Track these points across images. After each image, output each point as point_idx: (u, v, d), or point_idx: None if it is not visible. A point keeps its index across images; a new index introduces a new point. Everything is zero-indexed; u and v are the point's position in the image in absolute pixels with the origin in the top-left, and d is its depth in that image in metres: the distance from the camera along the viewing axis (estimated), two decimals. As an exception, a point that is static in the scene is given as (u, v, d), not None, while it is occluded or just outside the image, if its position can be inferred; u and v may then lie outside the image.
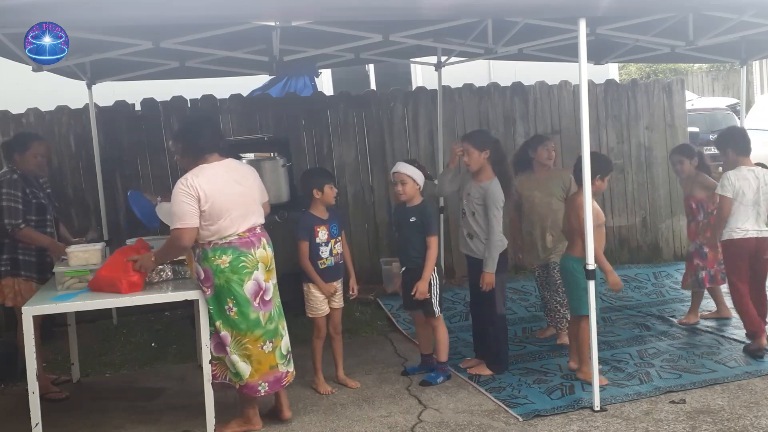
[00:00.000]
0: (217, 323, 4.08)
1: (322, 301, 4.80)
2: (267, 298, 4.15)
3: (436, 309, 4.83)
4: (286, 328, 4.32)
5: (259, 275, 4.12)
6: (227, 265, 4.03)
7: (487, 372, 4.91)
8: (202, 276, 4.07)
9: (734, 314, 6.07)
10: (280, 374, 4.21)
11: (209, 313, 4.08)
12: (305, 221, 4.76)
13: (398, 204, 5.03)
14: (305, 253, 4.72)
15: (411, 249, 4.83)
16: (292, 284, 5.00)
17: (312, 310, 4.81)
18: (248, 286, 4.07)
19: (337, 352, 4.98)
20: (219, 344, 4.10)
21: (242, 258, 4.06)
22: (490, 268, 4.77)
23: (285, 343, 4.27)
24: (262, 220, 4.28)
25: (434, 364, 4.95)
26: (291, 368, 4.31)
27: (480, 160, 4.84)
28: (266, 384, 4.15)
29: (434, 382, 4.84)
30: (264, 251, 4.17)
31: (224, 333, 4.08)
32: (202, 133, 4.17)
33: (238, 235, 4.07)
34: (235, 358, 4.09)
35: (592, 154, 4.26)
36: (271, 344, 4.16)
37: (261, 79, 8.00)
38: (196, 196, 3.93)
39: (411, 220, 4.82)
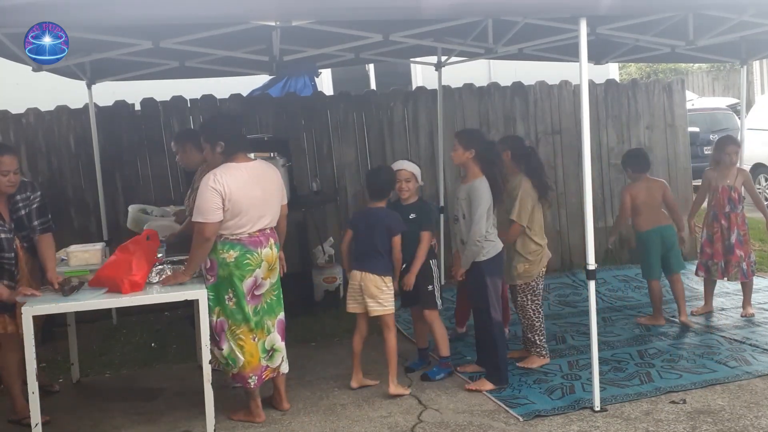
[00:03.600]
0: (216, 309, 4.21)
1: None
2: (257, 293, 4.26)
3: (439, 301, 4.87)
4: (275, 326, 4.36)
5: (260, 273, 4.23)
6: (233, 260, 4.15)
7: (488, 386, 4.72)
8: (208, 265, 4.21)
9: (734, 313, 6.10)
10: (262, 367, 4.31)
11: (207, 299, 4.16)
12: (396, 215, 4.76)
13: (393, 203, 4.97)
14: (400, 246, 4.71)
15: (411, 246, 4.80)
16: (291, 285, 4.99)
17: (390, 304, 4.72)
18: (247, 282, 4.19)
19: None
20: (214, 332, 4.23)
21: (248, 255, 4.17)
22: (464, 266, 4.78)
23: (270, 339, 4.33)
24: (275, 223, 4.38)
25: (435, 359, 4.94)
26: (273, 365, 4.37)
27: (463, 157, 4.78)
28: (255, 377, 4.27)
29: (433, 377, 4.84)
30: (270, 251, 4.27)
31: (221, 320, 4.21)
32: (234, 134, 4.32)
33: (248, 233, 4.18)
34: (231, 345, 4.22)
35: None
36: (256, 337, 4.27)
37: (261, 79, 8.00)
38: (221, 194, 4.05)
39: (411, 217, 4.82)
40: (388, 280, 4.70)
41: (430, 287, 4.87)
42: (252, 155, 4.62)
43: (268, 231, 4.30)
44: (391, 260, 4.71)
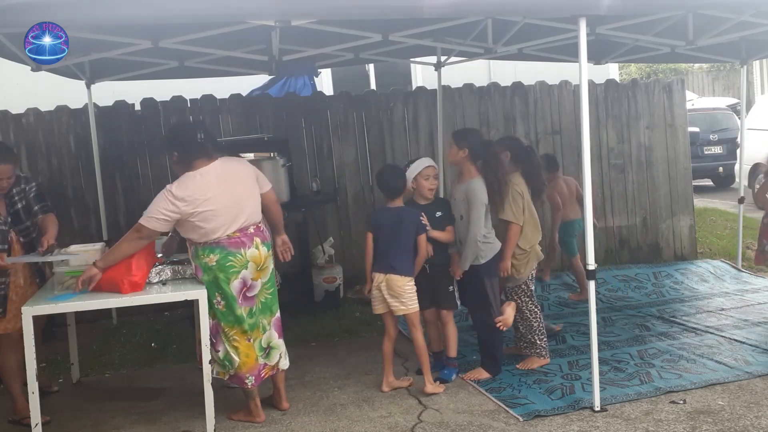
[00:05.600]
0: (210, 312, 4.20)
1: None
2: (250, 294, 4.23)
3: (458, 302, 4.85)
4: (271, 324, 4.35)
5: (248, 274, 4.18)
6: (214, 263, 4.13)
7: (485, 375, 4.84)
8: (194, 271, 4.24)
9: (734, 313, 6.10)
10: (260, 366, 4.30)
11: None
12: (417, 212, 4.70)
13: (412, 203, 4.86)
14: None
15: (442, 245, 4.77)
16: (291, 285, 4.98)
17: (414, 303, 4.66)
18: (234, 285, 4.16)
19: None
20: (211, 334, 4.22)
21: (230, 258, 4.13)
22: (462, 266, 4.76)
23: (266, 337, 4.32)
24: (258, 218, 4.29)
25: (444, 360, 4.94)
26: (272, 362, 4.36)
27: (457, 156, 4.79)
28: (253, 377, 4.26)
29: (449, 379, 4.82)
30: (256, 251, 4.21)
31: (214, 322, 4.22)
32: (186, 142, 4.21)
33: (227, 235, 4.13)
34: (226, 347, 4.21)
35: None
36: (251, 337, 4.26)
37: (261, 79, 8.00)
38: (177, 211, 4.01)
39: (437, 216, 4.76)
40: (410, 280, 4.65)
41: (450, 288, 4.84)
42: (232, 156, 4.51)
43: (252, 230, 4.21)
44: (413, 259, 4.66)
